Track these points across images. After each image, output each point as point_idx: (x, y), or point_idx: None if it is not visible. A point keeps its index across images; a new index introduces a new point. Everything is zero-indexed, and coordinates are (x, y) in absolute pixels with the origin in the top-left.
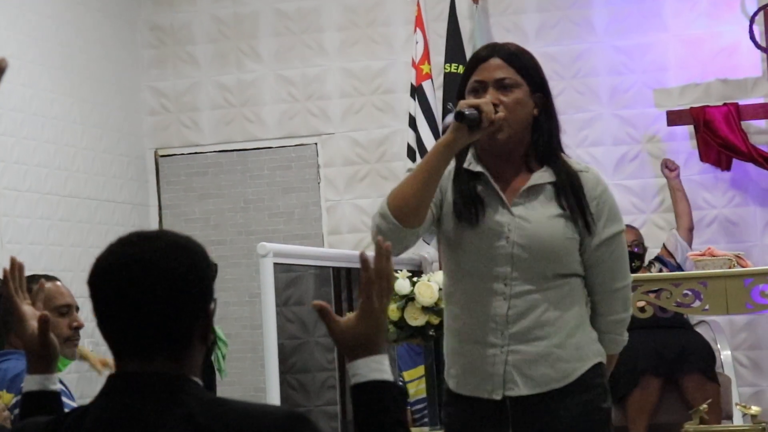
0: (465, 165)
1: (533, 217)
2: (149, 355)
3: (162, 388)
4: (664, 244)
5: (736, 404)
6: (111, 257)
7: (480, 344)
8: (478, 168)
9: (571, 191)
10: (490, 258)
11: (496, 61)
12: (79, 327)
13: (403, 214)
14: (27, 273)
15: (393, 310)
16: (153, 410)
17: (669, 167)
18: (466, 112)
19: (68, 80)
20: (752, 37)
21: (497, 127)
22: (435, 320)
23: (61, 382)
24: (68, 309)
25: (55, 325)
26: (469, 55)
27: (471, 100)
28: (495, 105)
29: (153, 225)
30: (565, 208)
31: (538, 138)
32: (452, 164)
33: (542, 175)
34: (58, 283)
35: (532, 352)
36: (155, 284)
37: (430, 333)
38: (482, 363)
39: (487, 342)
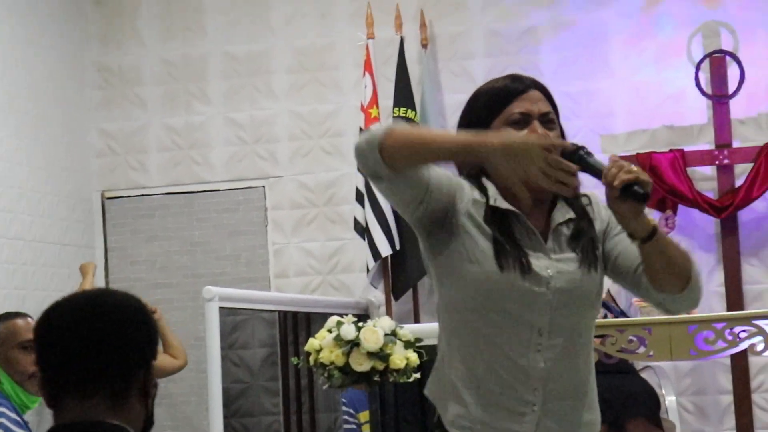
0: (491, 202)
1: (569, 263)
2: (89, 394)
3: None
4: (608, 289)
5: None
6: (62, 302)
7: (509, 402)
8: (506, 205)
9: (586, 228)
10: (530, 306)
11: (536, 94)
12: None
13: (395, 163)
14: None
15: (338, 356)
16: None
17: (668, 225)
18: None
19: (14, 120)
20: (698, 84)
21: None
22: (380, 366)
23: (20, 416)
24: (32, 345)
25: (18, 361)
26: (417, 99)
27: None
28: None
29: (99, 267)
30: (582, 249)
31: None
32: (468, 186)
33: (561, 212)
34: (29, 319)
35: (565, 410)
36: (102, 326)
37: (375, 378)
38: (509, 423)
39: (518, 399)
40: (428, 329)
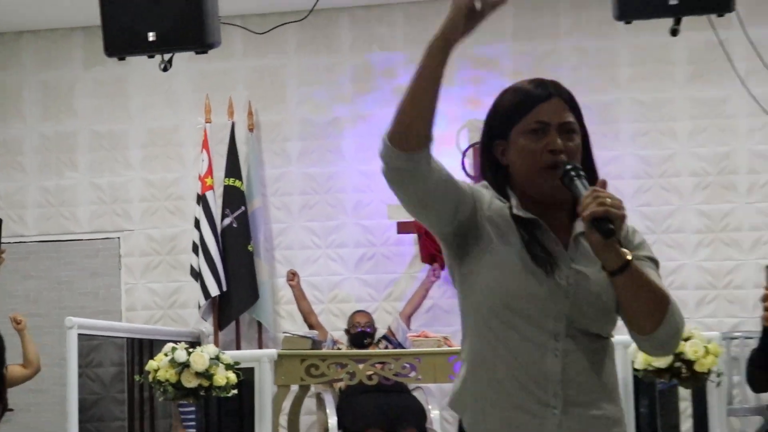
0: (514, 210)
1: (588, 271)
2: None
3: None
4: (389, 326)
5: None
6: None
7: (528, 408)
8: (527, 214)
9: None
10: (548, 313)
11: (559, 102)
12: None
13: (400, 135)
14: None
15: (172, 374)
16: None
17: (435, 275)
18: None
19: None
20: (463, 167)
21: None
22: (205, 383)
23: None
24: None
25: None
26: (244, 171)
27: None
28: (559, 152)
29: None
30: None
31: None
32: (488, 194)
33: (582, 224)
34: None
35: (587, 416)
36: None
37: (201, 393)
38: (529, 427)
39: (539, 402)
40: (246, 355)
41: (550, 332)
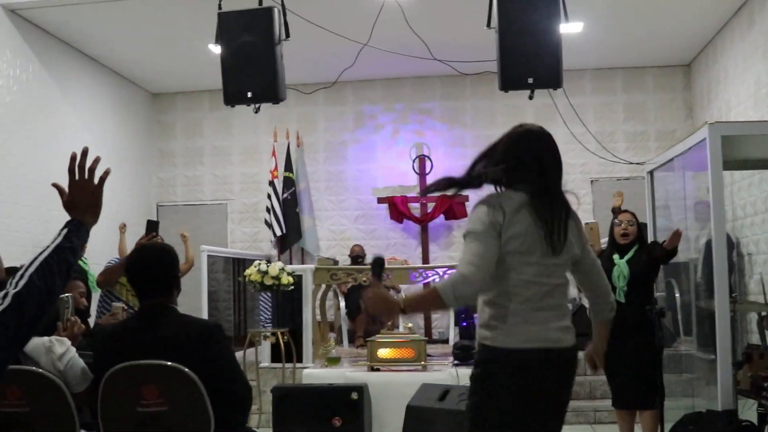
0: None
1: None
2: (156, 296)
3: (164, 311)
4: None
5: (402, 323)
6: (143, 247)
7: None
8: None
9: None
10: None
11: None
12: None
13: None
14: None
15: (258, 277)
16: (160, 319)
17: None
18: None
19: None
20: (414, 169)
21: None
22: (276, 282)
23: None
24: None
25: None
26: (296, 169)
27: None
28: None
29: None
30: None
31: None
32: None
33: None
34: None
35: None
36: (159, 264)
37: (274, 288)
38: None
39: None
40: (297, 268)
41: None
